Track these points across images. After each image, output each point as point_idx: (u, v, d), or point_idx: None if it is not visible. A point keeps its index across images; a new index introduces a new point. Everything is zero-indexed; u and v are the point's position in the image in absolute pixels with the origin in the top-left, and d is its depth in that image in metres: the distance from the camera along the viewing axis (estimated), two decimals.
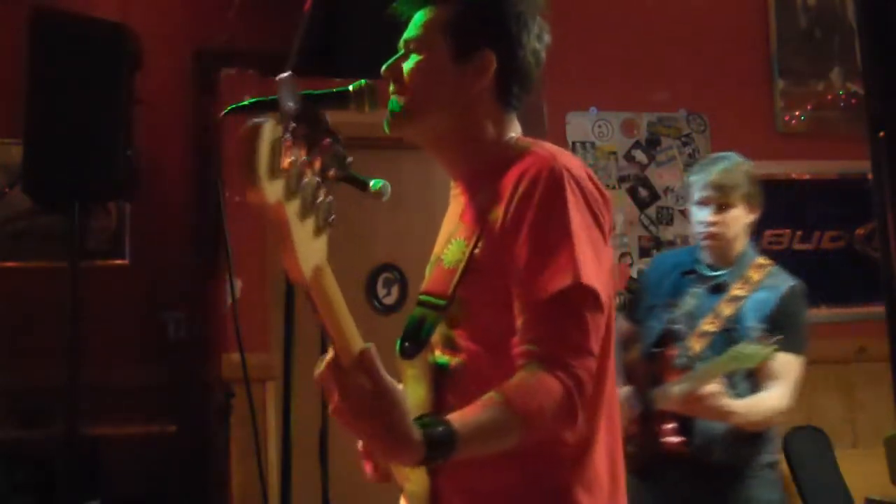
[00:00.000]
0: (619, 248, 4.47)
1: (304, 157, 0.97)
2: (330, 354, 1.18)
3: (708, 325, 2.65)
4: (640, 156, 4.56)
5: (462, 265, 1.45)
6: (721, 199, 2.67)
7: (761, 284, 2.67)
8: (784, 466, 4.02)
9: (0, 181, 4.00)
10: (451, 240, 1.53)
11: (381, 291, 4.34)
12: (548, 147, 1.49)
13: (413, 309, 1.56)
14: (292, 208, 0.97)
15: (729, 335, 2.62)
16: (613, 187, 4.50)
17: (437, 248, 1.61)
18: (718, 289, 2.70)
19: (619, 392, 2.76)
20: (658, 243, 4.52)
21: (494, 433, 1.28)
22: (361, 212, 3.86)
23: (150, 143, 3.82)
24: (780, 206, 4.63)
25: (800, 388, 2.62)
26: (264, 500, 1.90)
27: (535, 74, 1.57)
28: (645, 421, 2.68)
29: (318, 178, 1.02)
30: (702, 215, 2.71)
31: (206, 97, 4.14)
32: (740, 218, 2.71)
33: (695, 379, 2.51)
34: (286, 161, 0.93)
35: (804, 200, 4.69)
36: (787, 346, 2.60)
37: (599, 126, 4.52)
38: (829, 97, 4.77)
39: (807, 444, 4.10)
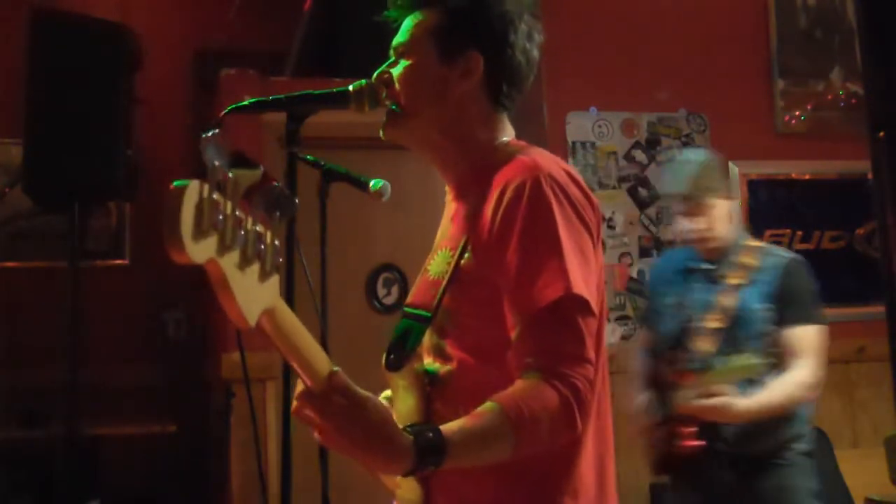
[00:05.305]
0: (619, 248, 4.47)
1: (236, 211, 0.99)
2: (300, 387, 1.20)
3: (714, 322, 2.66)
4: (640, 156, 4.56)
5: (447, 276, 1.46)
6: (699, 207, 2.72)
7: (757, 266, 2.70)
8: None
9: (0, 181, 4.00)
10: (438, 250, 1.54)
11: (381, 291, 4.34)
12: (532, 153, 1.48)
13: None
14: (230, 261, 0.99)
15: (736, 326, 2.64)
16: (613, 187, 4.51)
17: (429, 256, 1.62)
18: (717, 280, 2.72)
19: (638, 398, 2.76)
20: (658, 243, 4.51)
21: (486, 440, 1.27)
22: (361, 212, 3.86)
23: (150, 143, 3.83)
24: (780, 206, 4.64)
25: (825, 356, 2.64)
26: (264, 500, 1.90)
27: (527, 74, 1.57)
28: (665, 424, 2.71)
29: (257, 227, 1.04)
30: (686, 225, 2.76)
31: (206, 97, 4.14)
32: (721, 213, 2.74)
33: (705, 385, 2.53)
34: (217, 217, 0.95)
35: (804, 200, 4.69)
36: (799, 319, 2.63)
37: (599, 126, 4.52)
38: (829, 97, 4.77)
39: None
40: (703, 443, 2.60)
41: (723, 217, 2.74)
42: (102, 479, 3.97)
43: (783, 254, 2.76)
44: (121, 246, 4.48)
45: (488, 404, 1.28)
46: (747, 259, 2.72)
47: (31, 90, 3.19)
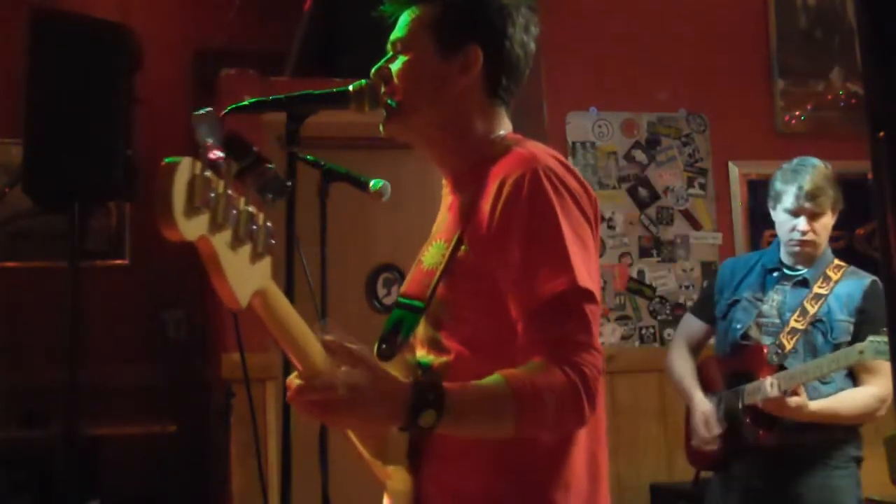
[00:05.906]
0: (619, 248, 4.47)
1: (228, 190, 0.98)
2: (293, 376, 1.23)
3: (796, 323, 2.73)
4: (640, 156, 4.56)
5: (441, 267, 1.46)
6: (814, 209, 2.76)
7: (841, 281, 2.76)
8: None
9: (0, 181, 4.00)
10: (433, 241, 1.54)
11: (381, 291, 4.34)
12: (529, 146, 1.49)
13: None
14: (221, 240, 0.99)
15: (817, 331, 2.71)
16: (613, 187, 4.50)
17: (424, 247, 1.62)
18: (802, 285, 2.78)
19: (700, 403, 2.80)
20: (658, 243, 4.51)
21: (487, 405, 1.29)
22: (361, 212, 3.86)
23: (150, 143, 3.82)
24: None
25: None
26: (264, 500, 1.90)
27: (525, 66, 1.58)
28: (732, 415, 2.76)
29: (249, 207, 1.03)
30: (794, 224, 2.78)
31: (206, 97, 4.14)
32: (827, 224, 2.80)
33: (790, 379, 2.59)
34: (209, 195, 0.94)
35: None
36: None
37: (599, 126, 4.52)
38: (829, 97, 4.77)
39: None
40: (780, 436, 2.66)
41: (827, 229, 2.81)
42: (102, 479, 3.97)
43: (866, 274, 2.81)
44: (121, 246, 4.48)
45: (493, 376, 1.29)
46: (833, 274, 2.78)
47: (31, 90, 3.19)
